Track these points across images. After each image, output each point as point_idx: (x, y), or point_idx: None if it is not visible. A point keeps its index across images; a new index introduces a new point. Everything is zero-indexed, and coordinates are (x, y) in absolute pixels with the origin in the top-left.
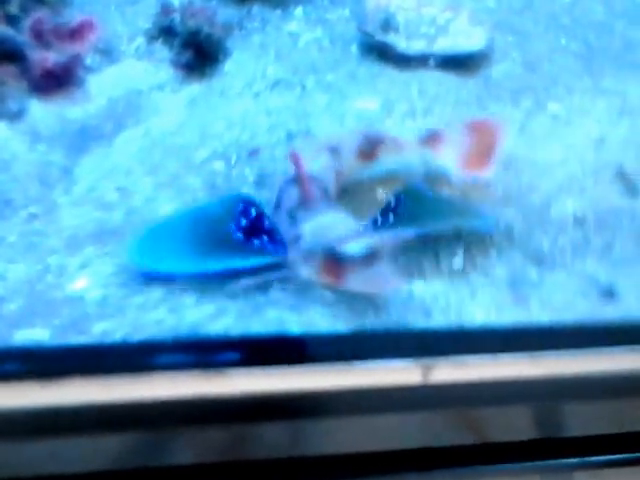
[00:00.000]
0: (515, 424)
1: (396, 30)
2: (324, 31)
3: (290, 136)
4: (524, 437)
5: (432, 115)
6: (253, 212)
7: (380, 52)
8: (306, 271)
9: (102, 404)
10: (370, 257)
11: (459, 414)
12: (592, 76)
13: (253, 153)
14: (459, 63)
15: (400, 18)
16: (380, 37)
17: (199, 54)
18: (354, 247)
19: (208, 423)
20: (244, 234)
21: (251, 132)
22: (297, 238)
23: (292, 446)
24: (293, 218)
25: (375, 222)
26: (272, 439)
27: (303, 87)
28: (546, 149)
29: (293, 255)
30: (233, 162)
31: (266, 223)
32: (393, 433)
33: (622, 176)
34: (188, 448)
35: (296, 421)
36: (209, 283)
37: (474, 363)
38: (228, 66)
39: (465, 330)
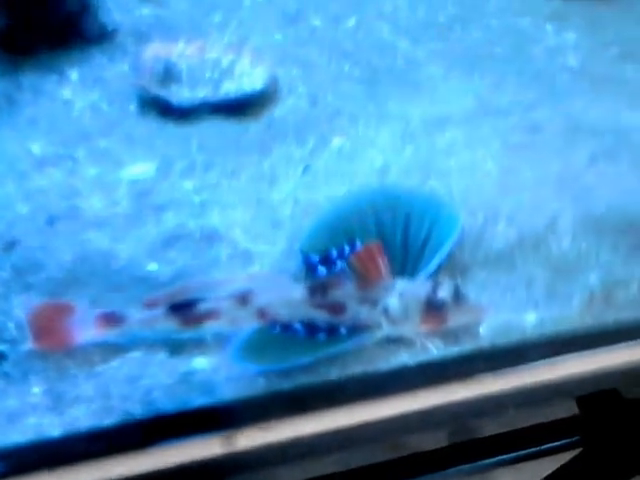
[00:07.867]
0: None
1: (178, 80)
2: (102, 92)
3: (51, 220)
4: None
5: (213, 169)
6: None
7: (159, 107)
8: (407, 328)
9: None
10: (457, 294)
11: None
12: (376, 102)
13: (9, 247)
14: (241, 107)
15: (183, 66)
16: (155, 90)
17: None
18: (442, 293)
19: None
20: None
21: (7, 222)
22: (386, 310)
23: None
24: (372, 301)
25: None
26: None
27: (74, 160)
28: (330, 187)
29: (387, 321)
30: None
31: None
32: None
33: None
34: None
35: None
36: None
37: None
38: None
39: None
